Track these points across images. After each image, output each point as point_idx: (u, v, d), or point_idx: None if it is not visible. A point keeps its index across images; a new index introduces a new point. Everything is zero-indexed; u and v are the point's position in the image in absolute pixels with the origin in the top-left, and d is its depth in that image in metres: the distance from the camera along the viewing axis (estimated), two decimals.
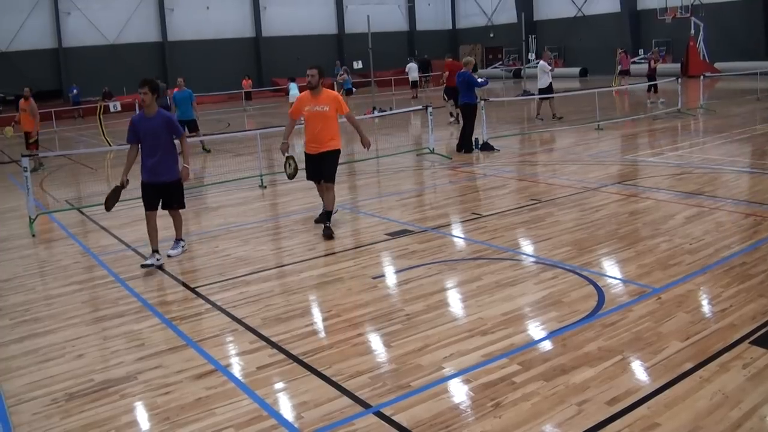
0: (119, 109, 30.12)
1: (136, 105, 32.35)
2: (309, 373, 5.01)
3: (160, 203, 8.03)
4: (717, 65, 34.55)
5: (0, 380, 5.19)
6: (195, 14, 42.55)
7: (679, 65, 34.51)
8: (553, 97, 20.88)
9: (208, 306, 6.59)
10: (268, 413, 4.46)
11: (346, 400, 4.55)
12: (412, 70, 33.47)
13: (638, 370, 4.76)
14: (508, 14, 48.25)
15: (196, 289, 7.09)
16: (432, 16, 53.16)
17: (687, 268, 6.73)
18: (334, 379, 4.86)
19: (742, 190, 10.19)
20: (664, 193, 10.10)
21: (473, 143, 15.40)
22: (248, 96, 36.18)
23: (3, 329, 6.30)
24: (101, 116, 22.36)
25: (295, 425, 4.30)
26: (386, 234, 8.84)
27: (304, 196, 11.28)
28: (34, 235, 9.91)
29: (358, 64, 29.86)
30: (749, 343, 4.98)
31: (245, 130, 23.06)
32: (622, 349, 5.04)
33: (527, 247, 8.07)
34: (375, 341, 5.58)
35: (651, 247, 7.53)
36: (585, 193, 10.47)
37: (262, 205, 11.46)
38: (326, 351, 5.37)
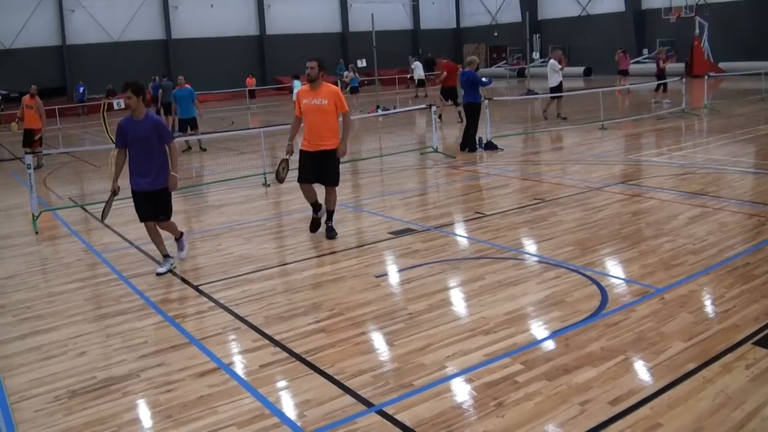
0: (123, 106, 30.07)
1: None
2: (311, 371, 5.01)
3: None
4: (721, 65, 34.48)
5: (3, 377, 5.20)
6: (199, 12, 42.56)
7: (683, 65, 34.42)
8: (561, 97, 20.83)
9: (211, 304, 6.59)
10: (271, 411, 4.47)
11: (348, 399, 4.55)
12: (418, 68, 33.59)
13: (641, 370, 4.75)
14: (512, 13, 48.19)
15: (199, 287, 7.09)
16: (436, 15, 53.12)
17: (690, 269, 6.72)
18: (336, 377, 4.86)
19: (746, 190, 10.17)
20: (668, 193, 10.08)
21: (477, 142, 15.39)
22: (252, 94, 36.25)
23: (5, 326, 6.32)
24: (105, 113, 22.40)
25: (298, 423, 4.30)
26: (389, 233, 8.83)
27: None
28: (37, 233, 9.93)
29: (362, 63, 29.83)
30: (752, 343, 4.97)
31: (249, 128, 23.06)
32: (625, 349, 5.03)
33: (530, 246, 8.06)
34: (377, 340, 5.58)
35: (654, 247, 7.51)
36: (588, 192, 10.45)
37: (265, 204, 11.47)
38: (329, 349, 5.37)
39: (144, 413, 4.58)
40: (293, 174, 8.87)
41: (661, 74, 23.17)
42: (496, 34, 51.20)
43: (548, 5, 47.44)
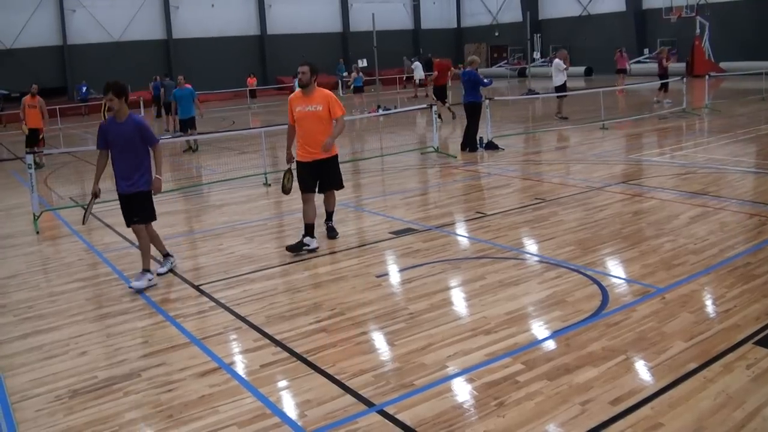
0: None
1: (141, 102, 32.46)
2: (312, 371, 5.01)
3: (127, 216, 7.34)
4: (722, 65, 34.47)
5: (4, 377, 5.21)
6: (200, 12, 42.60)
7: (684, 65, 34.41)
8: (565, 96, 20.80)
9: (212, 304, 6.60)
10: (272, 411, 4.47)
11: (349, 399, 4.56)
12: (418, 68, 33.67)
13: (642, 370, 4.75)
14: (513, 13, 48.20)
15: (200, 287, 7.10)
16: (437, 15, 53.14)
17: (691, 268, 6.72)
18: (337, 377, 4.87)
19: (747, 190, 10.16)
20: (669, 193, 10.08)
21: (478, 142, 15.38)
22: (253, 94, 36.25)
23: (7, 326, 6.32)
24: (106, 114, 22.39)
25: (299, 423, 4.30)
26: (390, 232, 8.83)
27: None
28: (38, 232, 9.93)
29: (362, 63, 29.88)
30: (753, 343, 4.97)
31: (250, 128, 23.06)
32: (626, 348, 5.03)
33: (531, 246, 8.06)
34: (378, 340, 5.59)
35: (655, 246, 7.51)
36: (589, 192, 10.45)
37: (266, 203, 11.47)
38: (330, 349, 5.38)
39: (145, 413, 4.58)
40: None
41: (664, 73, 23.14)
42: (496, 33, 51.22)
43: (549, 5, 47.44)
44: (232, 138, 20.31)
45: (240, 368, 5.17)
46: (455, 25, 54.68)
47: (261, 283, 7.12)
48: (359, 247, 8.36)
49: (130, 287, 7.05)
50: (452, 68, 24.10)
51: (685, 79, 21.13)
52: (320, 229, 8.94)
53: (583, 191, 10.53)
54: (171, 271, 7.63)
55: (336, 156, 8.31)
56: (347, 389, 4.68)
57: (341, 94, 35.89)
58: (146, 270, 7.23)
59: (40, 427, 4.45)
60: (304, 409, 4.47)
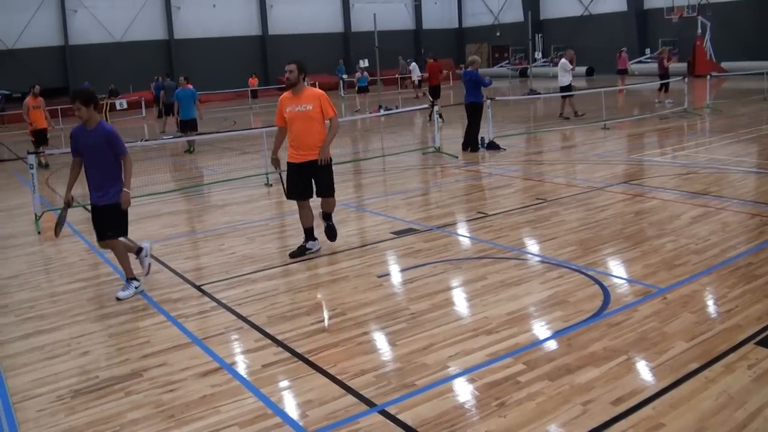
0: (125, 106, 30.22)
1: (143, 103, 32.50)
2: (314, 371, 5.01)
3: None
4: (723, 65, 34.45)
5: (5, 377, 5.21)
6: (201, 12, 42.66)
7: (685, 64, 34.40)
8: (572, 96, 20.78)
9: (214, 304, 6.60)
10: (273, 411, 4.47)
11: (350, 399, 4.56)
12: (415, 69, 33.84)
13: (643, 370, 4.75)
14: (514, 13, 48.21)
15: (202, 287, 7.10)
16: (438, 15, 53.17)
17: (693, 269, 6.71)
18: (338, 377, 4.86)
19: (749, 190, 10.16)
20: (670, 193, 10.08)
21: (479, 142, 15.38)
22: (254, 94, 36.27)
23: (8, 326, 6.33)
24: (107, 114, 22.44)
25: (300, 423, 4.30)
26: (391, 232, 8.83)
27: None
28: (39, 233, 9.94)
29: (364, 63, 29.90)
30: (755, 343, 4.97)
31: (251, 128, 23.07)
32: (628, 349, 5.03)
33: (532, 246, 8.05)
34: (380, 340, 5.58)
35: (657, 247, 7.51)
36: (591, 192, 10.45)
37: (267, 203, 11.47)
38: (331, 349, 5.38)
39: (146, 413, 4.58)
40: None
41: (664, 74, 23.13)
42: (498, 33, 51.23)
43: (550, 5, 47.46)
44: (234, 138, 20.32)
45: (241, 368, 5.17)
46: (456, 25, 54.72)
47: (262, 284, 7.13)
48: (360, 247, 8.35)
49: (117, 299, 6.84)
50: (443, 71, 24.43)
51: (686, 79, 21.12)
52: (320, 228, 8.93)
53: (584, 191, 10.53)
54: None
55: (330, 159, 7.86)
56: (349, 389, 4.68)
57: (342, 95, 35.91)
58: (130, 279, 7.01)
59: (42, 427, 4.45)
60: (305, 410, 4.47)
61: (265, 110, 32.23)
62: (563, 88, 20.73)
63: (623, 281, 6.58)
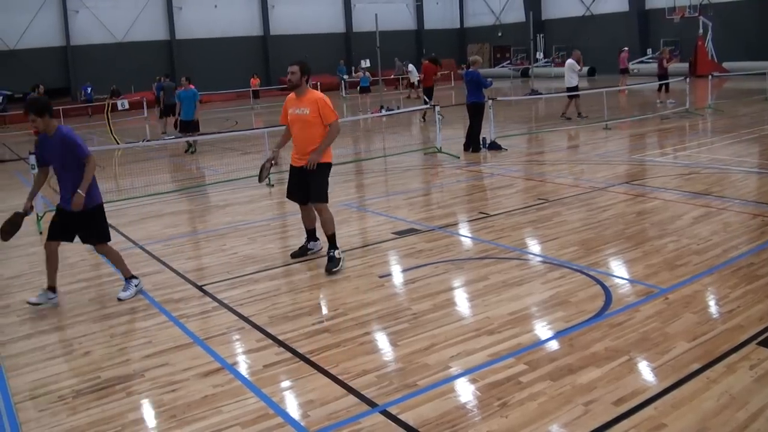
0: (127, 107, 30.24)
1: (144, 103, 32.50)
2: (315, 371, 5.01)
3: (76, 237, 6.97)
4: (725, 65, 34.43)
5: (7, 377, 5.22)
6: (203, 13, 42.68)
7: (687, 65, 34.37)
8: (577, 96, 20.74)
9: (215, 304, 6.60)
10: (275, 411, 4.47)
11: (352, 399, 4.56)
12: (413, 70, 33.90)
13: (645, 370, 4.74)
14: (516, 13, 48.22)
15: (204, 287, 7.10)
16: (440, 15, 53.17)
17: (694, 269, 6.71)
18: (340, 377, 4.87)
19: (750, 190, 10.15)
20: (672, 193, 10.07)
21: (481, 142, 15.38)
22: (256, 94, 36.27)
23: (10, 326, 6.34)
24: (109, 114, 22.45)
25: (302, 423, 4.31)
26: (393, 233, 8.83)
27: None
28: (41, 233, 9.95)
29: (365, 63, 29.93)
30: (756, 344, 4.96)
31: (253, 129, 23.07)
32: (629, 349, 5.03)
33: (534, 246, 8.05)
34: (381, 340, 5.59)
35: (658, 247, 7.50)
36: (592, 192, 10.44)
37: (269, 204, 11.47)
38: (333, 349, 5.38)
39: (148, 413, 4.59)
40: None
41: (664, 74, 23.12)
42: (499, 34, 51.22)
43: (552, 5, 47.45)
44: (236, 138, 20.32)
45: (243, 368, 5.17)
46: (458, 26, 54.72)
47: (264, 284, 7.13)
48: (362, 247, 8.35)
49: (119, 299, 6.84)
50: (438, 72, 24.49)
51: (688, 79, 21.11)
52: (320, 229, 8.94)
53: (586, 191, 10.52)
54: (45, 303, 6.80)
55: (327, 165, 7.50)
56: (350, 389, 4.68)
57: (344, 95, 35.91)
58: (129, 278, 7.01)
59: (44, 427, 4.45)
60: (307, 410, 4.47)
61: (266, 110, 32.23)
62: (570, 89, 20.69)
63: (625, 281, 6.58)
